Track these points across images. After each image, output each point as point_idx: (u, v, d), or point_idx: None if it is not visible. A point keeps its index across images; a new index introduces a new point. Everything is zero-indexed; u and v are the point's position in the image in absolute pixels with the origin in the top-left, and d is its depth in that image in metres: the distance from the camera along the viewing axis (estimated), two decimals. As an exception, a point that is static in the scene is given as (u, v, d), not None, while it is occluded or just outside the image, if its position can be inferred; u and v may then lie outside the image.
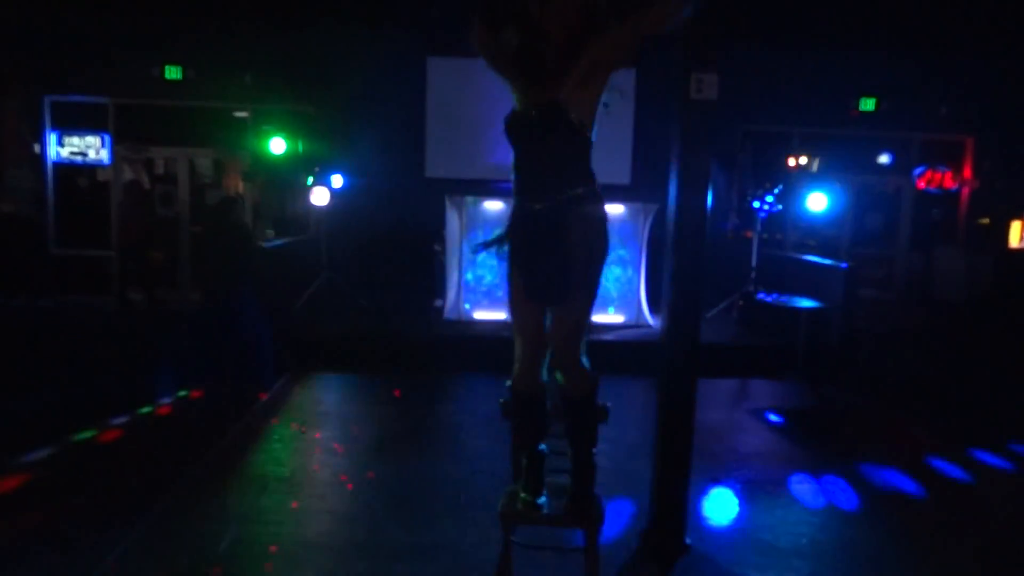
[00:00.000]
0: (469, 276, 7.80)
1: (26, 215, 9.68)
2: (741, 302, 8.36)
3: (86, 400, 5.49)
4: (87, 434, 4.70)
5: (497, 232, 2.56)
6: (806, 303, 6.76)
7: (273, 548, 3.29)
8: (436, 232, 8.30)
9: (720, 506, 3.93)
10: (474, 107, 9.18)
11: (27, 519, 3.52)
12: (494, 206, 7.77)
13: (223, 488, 3.93)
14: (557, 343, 2.48)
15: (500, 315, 7.78)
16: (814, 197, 8.81)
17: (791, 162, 9.99)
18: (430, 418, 5.46)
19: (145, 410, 5.27)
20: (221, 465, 4.27)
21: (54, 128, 9.79)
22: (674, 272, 3.36)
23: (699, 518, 3.71)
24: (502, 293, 7.73)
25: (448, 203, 7.81)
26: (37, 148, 9.71)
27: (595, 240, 2.44)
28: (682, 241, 3.34)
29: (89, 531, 3.38)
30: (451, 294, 7.89)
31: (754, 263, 8.50)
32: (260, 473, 4.18)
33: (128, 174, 6.50)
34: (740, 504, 4.00)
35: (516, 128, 2.45)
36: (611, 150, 9.94)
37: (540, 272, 2.43)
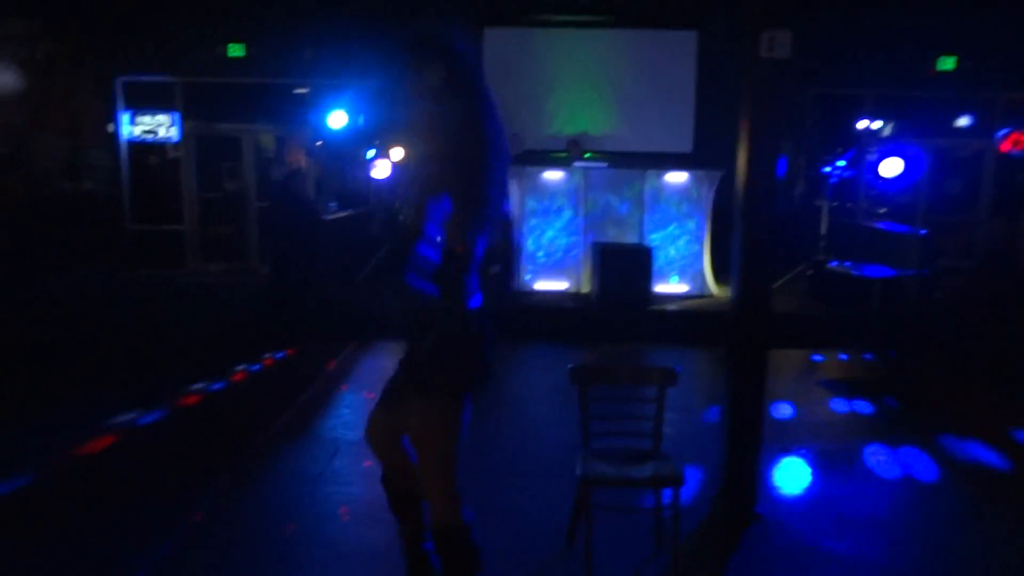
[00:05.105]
0: (530, 246, 7.78)
1: (104, 193, 10.10)
2: (811, 271, 8.12)
3: (166, 368, 5.74)
4: (165, 401, 4.91)
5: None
6: (881, 272, 6.52)
7: (344, 508, 3.39)
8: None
9: (792, 477, 3.85)
10: (531, 77, 9.04)
11: (116, 474, 3.71)
12: (553, 176, 7.71)
13: (297, 449, 4.07)
14: None
15: (562, 285, 7.77)
16: (888, 162, 8.43)
17: (863, 125, 9.59)
18: (493, 385, 5.50)
19: (222, 377, 5.47)
20: (294, 428, 4.42)
21: (127, 108, 10.14)
22: (744, 242, 3.27)
23: (770, 488, 3.65)
24: (564, 263, 7.71)
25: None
26: (111, 128, 10.08)
27: None
28: (752, 210, 3.25)
29: (175, 486, 3.54)
30: (511, 264, 7.90)
31: (823, 231, 8.23)
32: (332, 436, 4.30)
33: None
34: (812, 475, 3.91)
35: None
36: (672, 117, 9.73)
37: None
